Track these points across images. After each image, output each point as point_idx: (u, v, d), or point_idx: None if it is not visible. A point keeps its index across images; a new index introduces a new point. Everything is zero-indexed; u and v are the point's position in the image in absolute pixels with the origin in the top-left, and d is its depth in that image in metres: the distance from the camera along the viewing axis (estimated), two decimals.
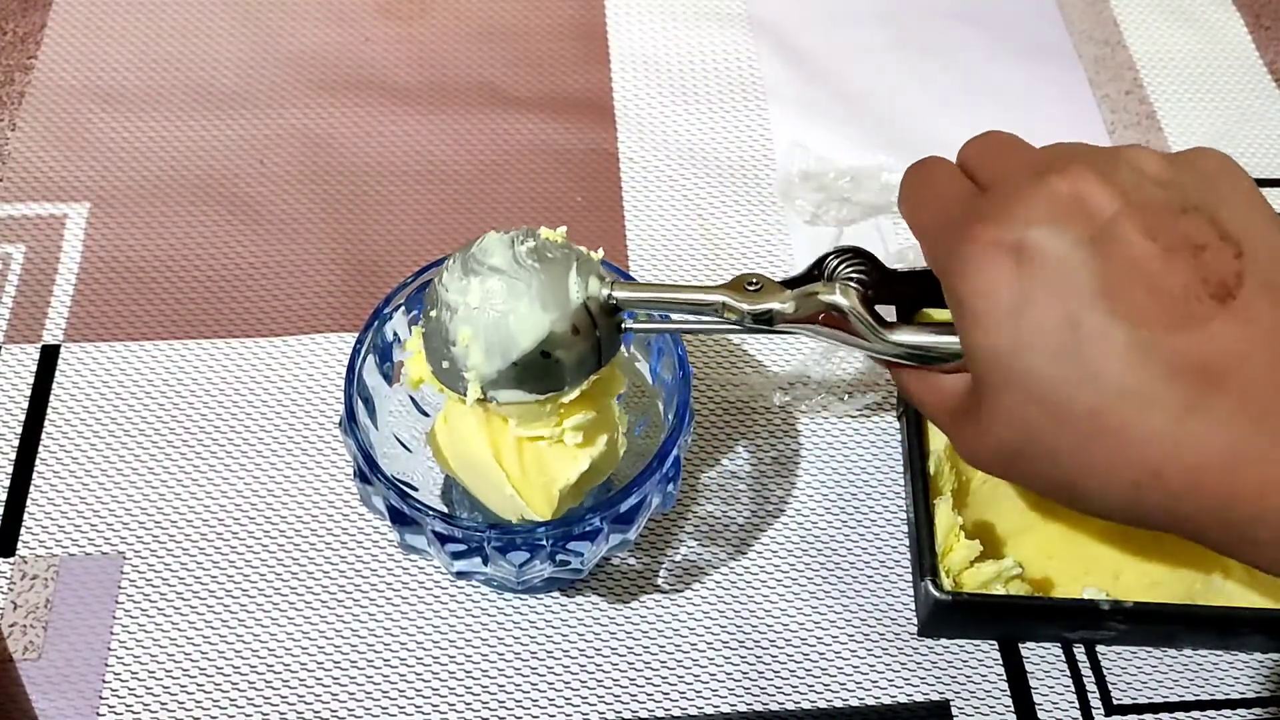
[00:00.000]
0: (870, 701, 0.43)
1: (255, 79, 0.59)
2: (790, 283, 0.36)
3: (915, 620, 0.44)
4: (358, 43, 0.61)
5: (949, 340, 0.33)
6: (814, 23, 0.63)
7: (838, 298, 0.34)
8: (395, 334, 0.42)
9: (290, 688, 0.42)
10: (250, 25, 0.61)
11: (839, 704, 0.43)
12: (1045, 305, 0.28)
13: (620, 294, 0.35)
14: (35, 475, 0.46)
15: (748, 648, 0.44)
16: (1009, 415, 0.29)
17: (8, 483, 0.46)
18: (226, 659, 0.43)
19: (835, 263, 0.37)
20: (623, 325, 0.37)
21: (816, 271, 0.37)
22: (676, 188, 0.57)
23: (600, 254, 0.37)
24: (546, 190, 0.56)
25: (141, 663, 0.42)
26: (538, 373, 0.35)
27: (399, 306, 0.41)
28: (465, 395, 0.35)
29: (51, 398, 0.48)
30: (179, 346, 0.50)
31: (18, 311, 0.50)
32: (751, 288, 0.35)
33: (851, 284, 0.35)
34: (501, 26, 0.62)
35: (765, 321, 0.35)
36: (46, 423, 0.48)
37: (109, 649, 0.43)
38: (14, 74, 0.58)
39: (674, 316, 0.38)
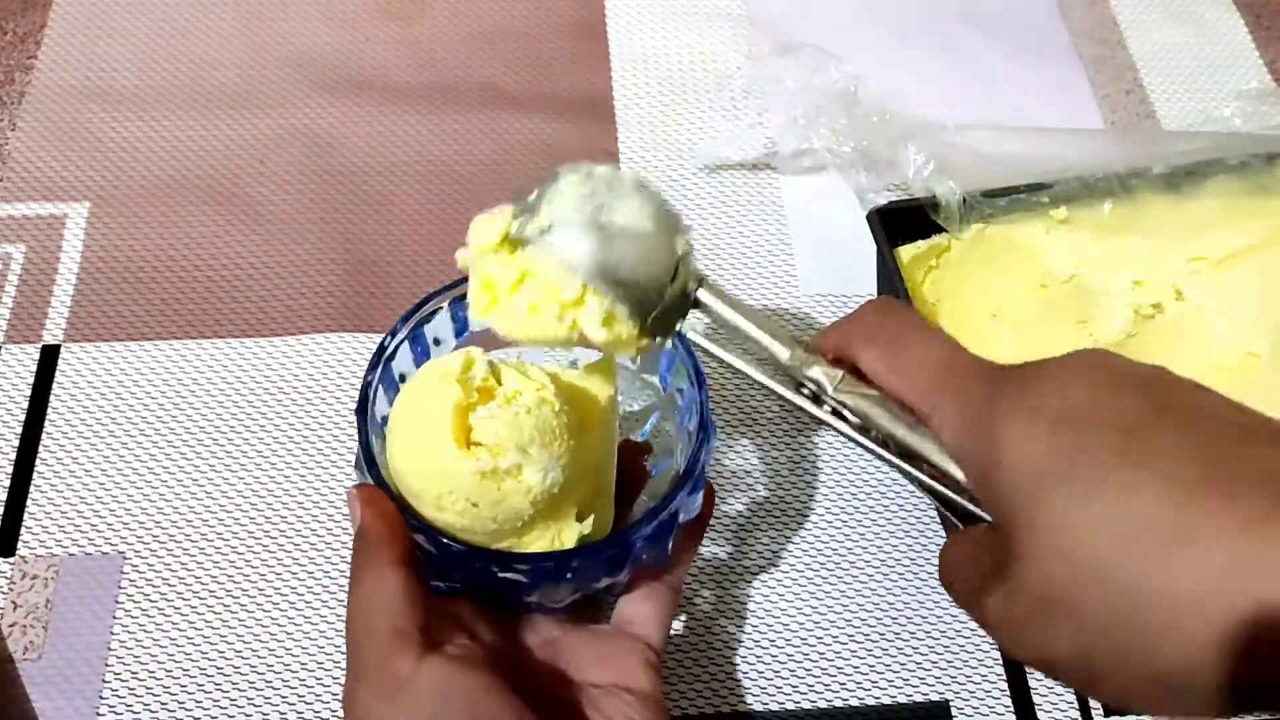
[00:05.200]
0: (870, 701, 0.43)
1: (255, 79, 0.59)
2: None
3: (914, 620, 0.44)
4: (358, 43, 0.61)
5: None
6: (814, 23, 0.63)
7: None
8: (435, 337, 0.40)
9: (290, 688, 0.42)
10: (250, 25, 0.61)
11: (839, 704, 0.43)
12: (1096, 432, 0.27)
13: (705, 292, 0.35)
14: (35, 475, 0.46)
15: (748, 648, 0.44)
16: (1050, 554, 0.27)
17: (8, 483, 0.46)
18: (226, 659, 0.43)
19: None
20: (679, 326, 0.35)
21: None
22: (676, 188, 0.57)
23: None
24: None
25: (141, 663, 0.42)
26: (599, 258, 0.33)
27: (439, 308, 0.40)
28: (529, 224, 0.33)
29: (51, 398, 0.48)
30: (179, 346, 0.50)
31: (18, 311, 0.50)
32: (827, 356, 0.34)
33: None
34: (501, 26, 0.62)
35: (827, 387, 0.33)
36: (46, 423, 0.48)
37: (109, 649, 0.43)
38: (14, 74, 0.58)
39: (725, 351, 0.37)
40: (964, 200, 0.47)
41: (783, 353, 0.34)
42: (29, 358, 0.49)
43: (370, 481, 0.36)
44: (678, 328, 0.35)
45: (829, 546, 0.46)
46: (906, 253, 0.48)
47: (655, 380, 0.42)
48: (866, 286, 0.53)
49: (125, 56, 0.59)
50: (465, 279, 0.38)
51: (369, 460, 0.36)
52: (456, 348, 0.40)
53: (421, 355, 0.40)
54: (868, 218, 0.47)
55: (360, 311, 0.51)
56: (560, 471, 0.35)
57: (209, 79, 0.59)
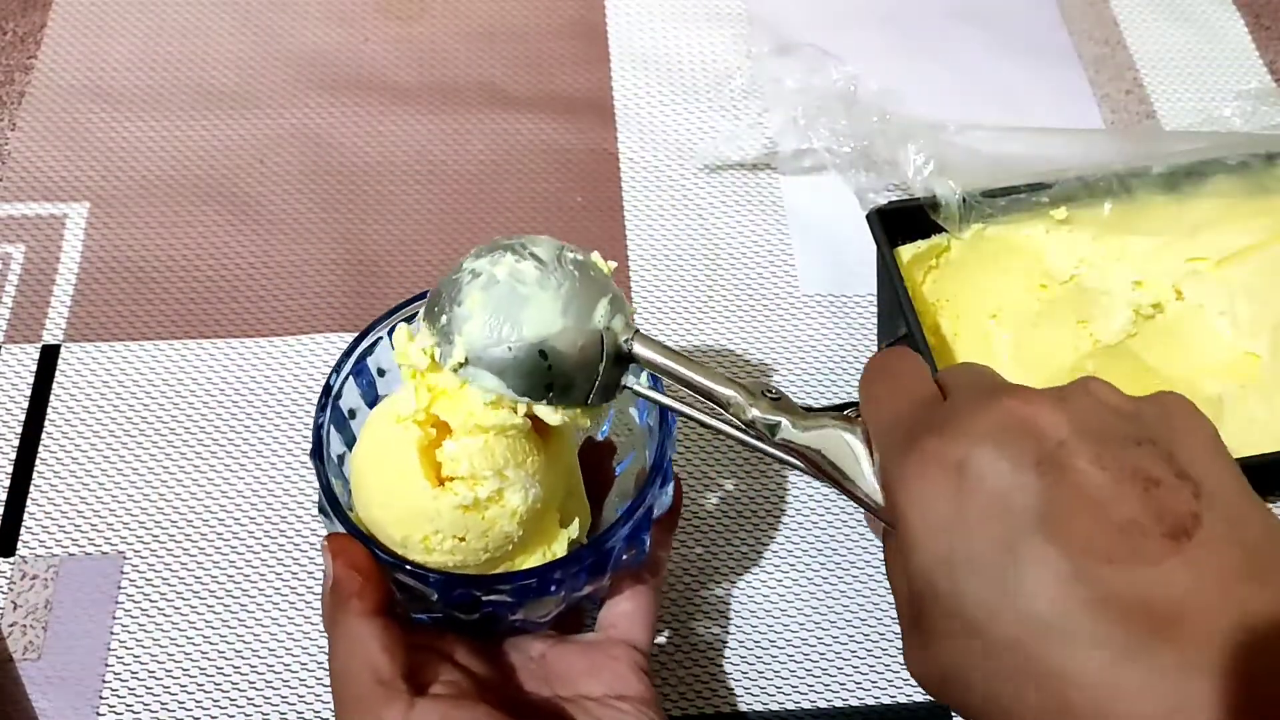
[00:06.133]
0: (870, 701, 0.43)
1: (255, 79, 0.59)
2: (813, 410, 0.34)
3: None
4: (358, 43, 0.61)
5: None
6: (814, 23, 0.63)
7: (850, 434, 0.32)
8: (379, 368, 0.40)
9: (290, 688, 0.42)
10: (250, 25, 0.61)
11: (839, 704, 0.43)
12: (980, 526, 0.26)
13: (639, 347, 0.34)
14: (35, 475, 0.46)
15: (747, 648, 0.44)
16: (939, 636, 0.27)
17: (8, 483, 0.46)
18: (226, 659, 0.43)
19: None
20: (623, 382, 0.35)
21: (845, 411, 0.35)
22: (676, 188, 0.57)
23: (631, 308, 0.36)
24: (546, 190, 0.56)
25: (141, 663, 0.42)
26: (524, 371, 0.33)
27: (379, 339, 0.39)
28: (449, 356, 0.33)
29: (51, 398, 0.48)
30: (179, 346, 0.50)
31: (18, 311, 0.50)
32: (770, 395, 0.33)
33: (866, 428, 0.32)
34: (501, 26, 0.62)
35: (769, 431, 0.33)
36: (46, 423, 0.48)
37: (109, 649, 0.43)
38: (14, 74, 0.58)
39: (677, 398, 0.36)
40: (964, 200, 0.47)
41: (725, 397, 0.33)
42: (29, 358, 0.49)
43: (336, 525, 0.35)
44: (623, 384, 0.35)
45: (829, 546, 0.46)
46: (906, 253, 0.48)
47: None
48: (866, 286, 0.53)
49: (125, 56, 0.59)
50: (401, 305, 0.39)
51: (332, 504, 0.35)
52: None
53: (368, 389, 0.39)
54: (868, 218, 0.47)
55: (360, 311, 0.51)
56: (539, 486, 0.35)
57: (209, 79, 0.59)
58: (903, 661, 0.30)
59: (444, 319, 0.34)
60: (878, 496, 0.31)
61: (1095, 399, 0.28)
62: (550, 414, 0.34)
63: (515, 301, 0.33)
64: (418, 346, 0.34)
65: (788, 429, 0.32)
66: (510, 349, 0.33)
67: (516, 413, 0.34)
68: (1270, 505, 0.48)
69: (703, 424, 0.34)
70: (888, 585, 0.45)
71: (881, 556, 0.46)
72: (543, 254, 0.33)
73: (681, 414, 0.35)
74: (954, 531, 0.27)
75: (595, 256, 0.35)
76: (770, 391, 0.33)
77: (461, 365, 0.33)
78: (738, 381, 0.33)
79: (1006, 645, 0.26)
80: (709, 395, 0.33)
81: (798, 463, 0.33)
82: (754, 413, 0.33)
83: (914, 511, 0.28)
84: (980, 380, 0.30)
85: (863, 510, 0.32)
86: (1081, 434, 0.27)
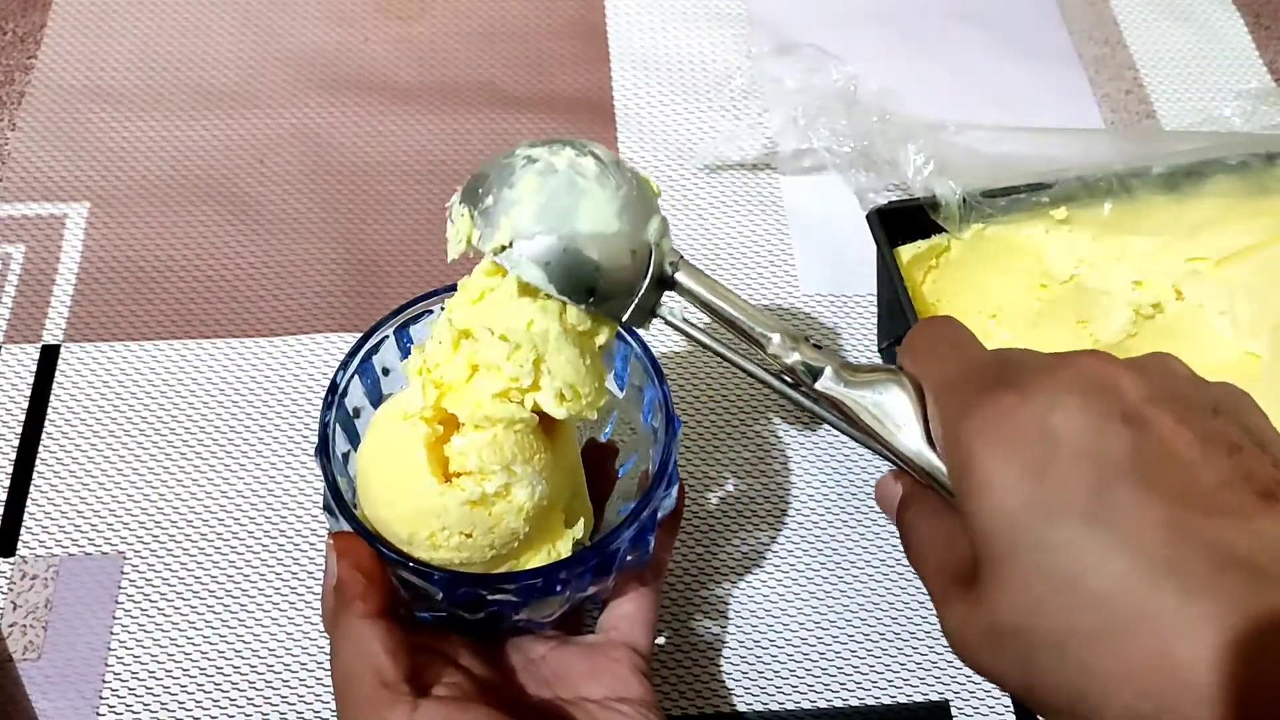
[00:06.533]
0: (870, 701, 0.43)
1: (255, 79, 0.59)
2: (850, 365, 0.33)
3: (914, 620, 0.44)
4: (358, 43, 0.61)
5: None
6: (814, 23, 0.63)
7: (899, 387, 0.31)
8: (384, 367, 0.39)
9: (290, 688, 0.42)
10: (250, 25, 0.61)
11: (839, 704, 0.43)
12: (1071, 470, 0.25)
13: (683, 274, 0.33)
14: (35, 475, 0.46)
15: (747, 648, 0.44)
16: (1013, 590, 0.26)
17: (8, 483, 0.46)
18: (226, 659, 0.43)
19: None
20: (659, 307, 0.34)
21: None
22: (676, 188, 0.57)
23: None
24: None
25: (141, 663, 0.42)
26: (570, 266, 0.31)
27: (385, 338, 0.39)
28: (490, 239, 0.32)
29: (51, 398, 0.48)
30: (179, 346, 0.50)
31: (18, 311, 0.50)
32: (811, 342, 0.32)
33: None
34: (501, 26, 0.62)
35: (809, 377, 0.31)
36: (46, 423, 0.48)
37: (109, 649, 0.43)
38: (14, 74, 0.58)
39: (712, 335, 0.35)
40: (964, 200, 0.47)
41: (765, 337, 0.32)
42: (29, 358, 0.49)
43: (342, 523, 0.35)
44: (657, 310, 0.34)
45: (829, 546, 0.46)
46: (906, 253, 0.48)
47: (610, 379, 0.41)
48: (866, 286, 0.53)
49: (125, 56, 0.59)
50: (406, 305, 0.38)
51: (338, 501, 0.35)
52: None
53: (372, 388, 0.39)
54: (868, 218, 0.47)
55: (360, 311, 0.51)
56: (545, 483, 0.34)
57: (209, 79, 0.59)
58: (939, 628, 0.29)
59: (489, 199, 0.32)
60: (922, 456, 0.30)
61: (1169, 368, 0.28)
62: (556, 407, 0.33)
63: (573, 192, 0.31)
64: (458, 228, 0.33)
65: (829, 377, 0.31)
66: (560, 239, 0.31)
67: (523, 403, 0.33)
68: None
69: (735, 365, 0.33)
70: (887, 584, 0.45)
71: (881, 556, 0.46)
72: (603, 154, 0.32)
73: (714, 351, 0.34)
74: (1042, 479, 0.26)
75: (648, 175, 0.34)
76: (812, 339, 0.32)
77: (504, 249, 0.32)
78: (780, 321, 0.32)
79: (1101, 594, 0.24)
80: (748, 334, 0.33)
81: (830, 415, 0.32)
82: (795, 356, 0.32)
83: (994, 461, 0.27)
84: (1038, 351, 0.30)
85: (894, 470, 0.31)
86: (1162, 397, 0.27)
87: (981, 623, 0.27)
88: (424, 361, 0.34)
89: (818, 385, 0.31)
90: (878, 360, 0.52)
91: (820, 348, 0.32)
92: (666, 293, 0.34)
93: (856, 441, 0.32)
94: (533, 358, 0.33)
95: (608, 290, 0.32)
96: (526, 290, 0.33)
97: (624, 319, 0.34)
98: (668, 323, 0.34)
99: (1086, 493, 0.25)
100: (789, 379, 0.32)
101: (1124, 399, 0.26)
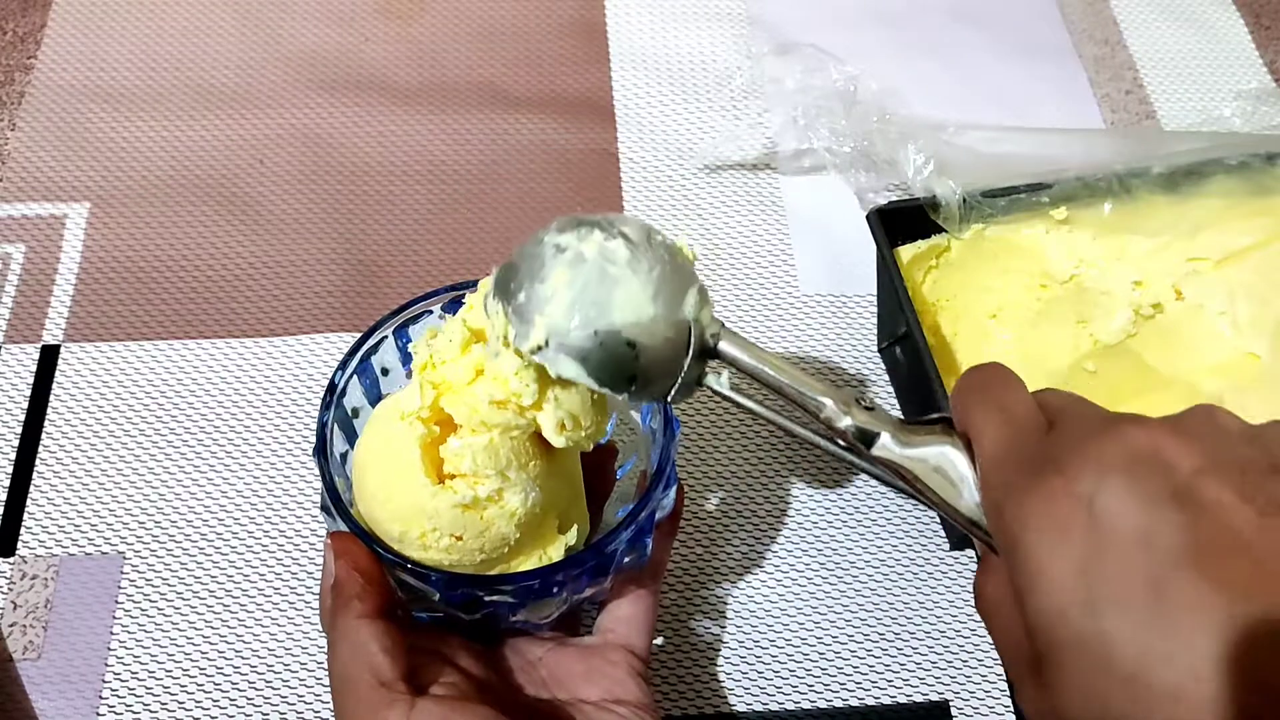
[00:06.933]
0: (870, 702, 0.43)
1: (255, 79, 0.59)
2: (905, 422, 0.31)
3: (914, 620, 0.44)
4: (358, 43, 0.61)
5: None
6: (814, 23, 0.63)
7: (954, 450, 0.30)
8: (383, 367, 0.39)
9: (290, 688, 0.42)
10: (250, 25, 0.61)
11: (839, 704, 0.43)
12: (1122, 565, 0.24)
13: (725, 344, 0.32)
14: (35, 475, 0.46)
15: (746, 648, 0.44)
16: (1078, 684, 0.25)
17: (8, 483, 0.46)
18: (226, 659, 0.43)
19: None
20: (705, 378, 0.33)
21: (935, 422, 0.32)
22: (676, 188, 0.57)
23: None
24: (546, 190, 0.56)
25: (141, 663, 0.42)
26: (609, 360, 0.31)
27: (384, 338, 0.39)
28: (526, 338, 0.31)
29: (51, 398, 0.48)
30: (179, 346, 0.50)
31: (18, 311, 0.50)
32: (863, 403, 0.31)
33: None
34: (501, 26, 0.62)
35: (864, 443, 0.30)
36: (46, 423, 0.48)
37: (109, 649, 0.43)
38: (14, 74, 0.58)
39: (759, 401, 0.34)
40: (964, 200, 0.47)
41: (817, 403, 0.31)
42: (29, 358, 0.49)
43: (339, 523, 0.35)
44: (704, 382, 0.33)
45: (829, 546, 0.46)
46: (906, 253, 0.48)
47: None
48: (866, 286, 0.53)
49: (125, 56, 0.59)
50: (404, 306, 0.38)
51: (335, 502, 0.35)
52: (407, 375, 0.39)
53: (370, 388, 0.39)
54: (868, 218, 0.47)
55: (360, 311, 0.51)
56: (539, 491, 0.34)
57: (209, 79, 0.59)
58: (1016, 701, 0.28)
59: (522, 295, 0.31)
60: (981, 519, 0.29)
61: (1218, 425, 0.26)
62: (555, 435, 0.33)
63: (605, 283, 0.30)
64: (493, 325, 0.32)
65: (887, 442, 0.30)
66: (597, 333, 0.31)
67: (523, 415, 0.33)
68: None
69: (787, 431, 0.33)
70: (888, 584, 0.45)
71: (881, 557, 0.46)
72: (632, 233, 0.31)
73: (767, 419, 0.34)
74: (1092, 572, 0.25)
75: (682, 242, 0.33)
76: (863, 399, 0.31)
77: (540, 349, 0.31)
78: (830, 385, 0.32)
79: (1168, 693, 0.24)
80: (798, 400, 0.32)
81: (890, 478, 0.31)
82: (848, 421, 0.31)
83: (1042, 553, 0.26)
84: (1085, 407, 0.28)
85: (966, 531, 0.30)
86: (1215, 464, 0.25)
87: (1052, 710, 0.26)
88: (429, 359, 0.34)
89: (874, 451, 0.31)
90: (878, 360, 0.52)
91: (873, 409, 0.31)
92: (711, 360, 0.33)
93: (918, 501, 0.31)
94: (539, 379, 0.33)
95: (648, 377, 0.32)
96: None
97: (669, 399, 0.33)
98: (715, 393, 0.34)
99: (1143, 587, 0.24)
100: (843, 444, 0.31)
101: (1175, 473, 0.25)
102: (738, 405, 0.34)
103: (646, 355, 0.31)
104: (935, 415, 0.31)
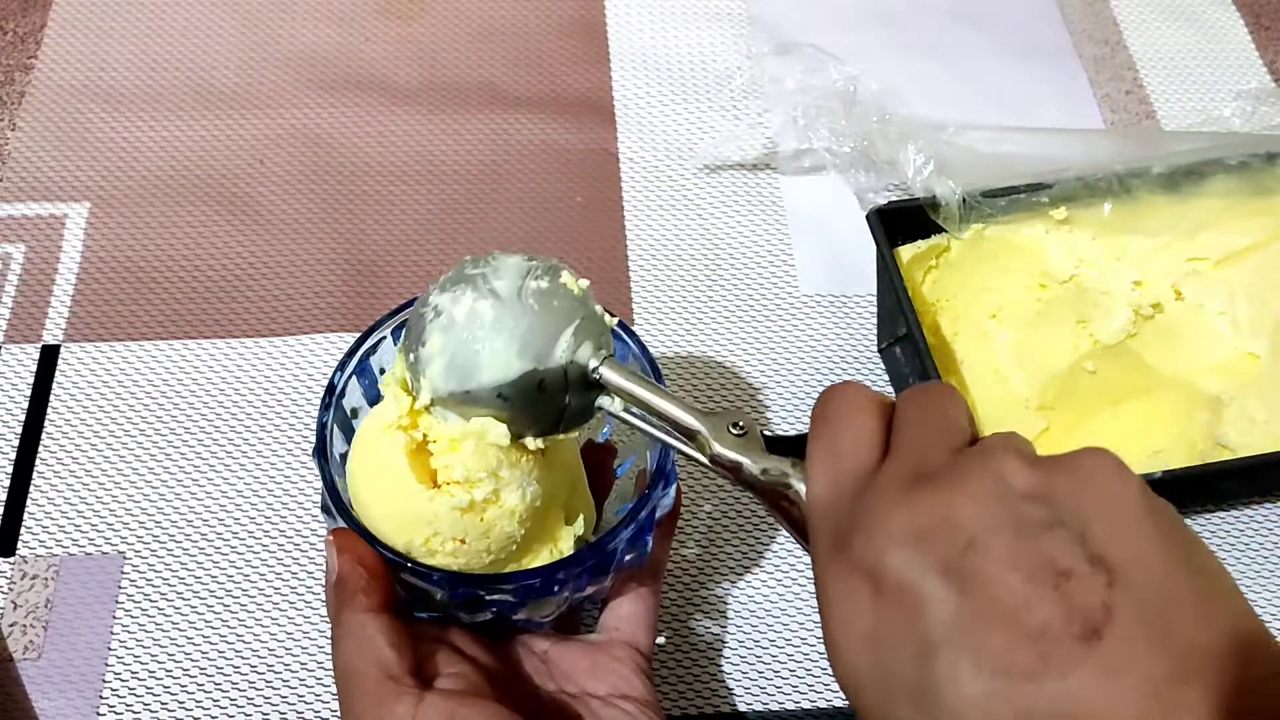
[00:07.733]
0: None
1: (255, 79, 0.59)
2: (779, 441, 0.32)
3: None
4: (358, 43, 0.61)
5: None
6: (814, 23, 0.63)
7: (800, 483, 0.30)
8: (382, 368, 0.40)
9: (290, 688, 0.42)
10: (250, 25, 0.61)
11: (839, 704, 0.43)
12: (898, 643, 0.25)
13: (607, 373, 0.34)
14: (35, 475, 0.46)
15: (747, 648, 0.44)
16: None
17: (8, 483, 0.46)
18: (226, 659, 0.43)
19: None
20: (598, 405, 0.35)
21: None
22: (676, 188, 0.57)
23: (614, 321, 0.36)
24: (546, 190, 0.56)
25: (141, 663, 0.42)
26: (484, 413, 0.33)
27: (383, 338, 0.39)
28: (421, 394, 0.34)
29: (51, 398, 0.48)
30: (179, 346, 0.50)
31: (18, 311, 0.50)
32: (735, 431, 0.32)
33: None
34: (501, 26, 0.62)
35: (730, 471, 0.31)
36: (46, 423, 0.48)
37: (109, 649, 0.43)
38: (14, 74, 0.58)
39: (651, 423, 0.35)
40: (964, 200, 0.47)
41: (690, 428, 0.32)
42: (29, 358, 0.49)
43: (340, 523, 0.35)
44: (597, 405, 0.35)
45: None
46: (906, 253, 0.48)
47: None
48: (866, 286, 0.53)
49: (125, 56, 0.59)
50: (402, 306, 0.39)
51: (335, 502, 0.35)
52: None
53: (370, 388, 0.39)
54: (868, 218, 0.47)
55: (360, 311, 0.51)
56: (536, 484, 0.35)
57: (209, 79, 0.59)
58: None
59: (412, 356, 0.34)
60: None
61: (999, 479, 0.26)
62: (530, 440, 0.34)
63: (471, 346, 0.33)
64: (397, 378, 0.35)
65: (749, 469, 0.31)
66: (469, 393, 0.33)
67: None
68: (1269, 506, 0.48)
69: (677, 450, 0.34)
70: None
71: None
72: (503, 288, 0.33)
73: (655, 438, 0.35)
74: (875, 648, 0.25)
75: (566, 277, 0.34)
76: (737, 426, 0.32)
77: (430, 406, 0.34)
78: (705, 412, 0.33)
79: None
80: (676, 425, 0.33)
81: (762, 502, 0.31)
82: (716, 448, 0.32)
83: (836, 626, 0.26)
84: (921, 442, 0.28)
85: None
86: (989, 528, 0.25)
87: None
88: (396, 370, 0.35)
89: (742, 476, 0.31)
90: (878, 360, 0.52)
91: (745, 434, 0.32)
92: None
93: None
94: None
95: (527, 425, 0.34)
96: None
97: (560, 434, 0.35)
98: (610, 414, 0.35)
99: (912, 667, 0.24)
100: (718, 470, 0.32)
101: (952, 542, 0.25)
102: (632, 426, 0.35)
103: (520, 405, 0.33)
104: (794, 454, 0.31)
